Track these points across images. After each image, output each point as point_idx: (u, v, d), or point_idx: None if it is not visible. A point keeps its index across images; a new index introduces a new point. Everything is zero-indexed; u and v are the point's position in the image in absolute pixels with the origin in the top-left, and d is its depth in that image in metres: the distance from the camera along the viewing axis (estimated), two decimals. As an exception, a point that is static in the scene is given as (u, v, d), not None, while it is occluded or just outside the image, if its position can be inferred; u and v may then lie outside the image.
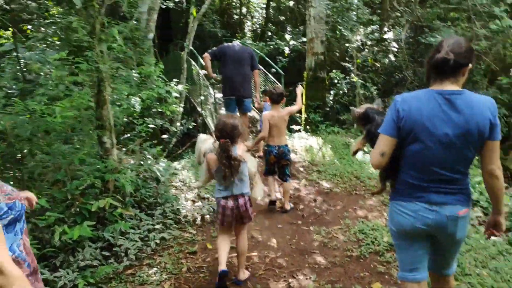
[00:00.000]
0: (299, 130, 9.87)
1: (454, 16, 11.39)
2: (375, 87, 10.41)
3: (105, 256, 4.00)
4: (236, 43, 7.26)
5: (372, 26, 10.54)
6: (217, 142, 3.45)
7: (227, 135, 3.39)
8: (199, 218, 5.05)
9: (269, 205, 5.54)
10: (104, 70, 4.18)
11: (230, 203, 3.54)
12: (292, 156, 7.86)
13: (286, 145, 5.35)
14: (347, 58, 11.39)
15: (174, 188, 5.85)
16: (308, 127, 10.02)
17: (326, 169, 7.20)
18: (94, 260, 3.85)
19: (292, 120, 11.12)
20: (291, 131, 9.87)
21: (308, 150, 8.30)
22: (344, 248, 4.45)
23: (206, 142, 3.76)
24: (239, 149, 3.50)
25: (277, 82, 9.65)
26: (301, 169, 7.28)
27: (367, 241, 4.56)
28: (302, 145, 8.65)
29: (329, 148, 8.51)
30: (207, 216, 5.12)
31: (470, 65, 2.26)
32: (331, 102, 10.56)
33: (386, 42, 11.05)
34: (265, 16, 20.10)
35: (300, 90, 5.57)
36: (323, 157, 7.96)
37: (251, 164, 3.74)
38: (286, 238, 4.73)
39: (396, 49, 10.96)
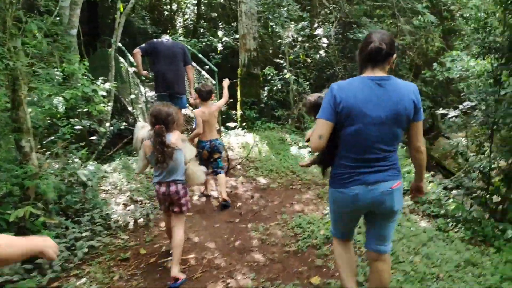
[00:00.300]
0: (235, 127, 9.79)
1: (380, 13, 11.84)
2: (307, 83, 10.55)
3: (27, 269, 3.66)
4: (167, 38, 6.99)
5: (302, 23, 10.67)
6: (152, 129, 3.51)
7: (161, 122, 3.48)
8: (131, 222, 4.81)
9: (202, 195, 5.78)
10: (19, 68, 3.83)
11: (162, 188, 3.65)
12: (229, 153, 7.79)
13: (217, 139, 5.50)
14: (280, 55, 11.45)
15: (104, 192, 5.55)
16: (244, 124, 9.96)
17: (263, 165, 7.18)
18: (15, 275, 3.52)
19: (228, 117, 11.04)
20: (227, 128, 9.76)
21: (245, 147, 8.25)
22: (282, 244, 4.42)
23: (143, 129, 3.80)
24: (174, 136, 3.54)
25: (211, 79, 9.49)
26: (238, 166, 7.20)
27: (304, 235, 4.57)
28: (238, 142, 8.57)
29: (265, 144, 8.50)
30: (140, 220, 4.89)
31: (395, 55, 2.57)
32: (266, 99, 10.57)
33: (316, 38, 11.25)
34: (196, 12, 19.82)
35: (226, 83, 5.62)
36: (259, 153, 7.93)
37: (187, 152, 3.77)
38: (223, 237, 4.62)
39: (326, 45, 11.19)
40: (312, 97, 3.27)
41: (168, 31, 18.08)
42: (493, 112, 5.91)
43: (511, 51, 5.62)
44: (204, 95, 5.34)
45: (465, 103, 6.68)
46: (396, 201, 2.59)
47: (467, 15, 6.91)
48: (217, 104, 5.56)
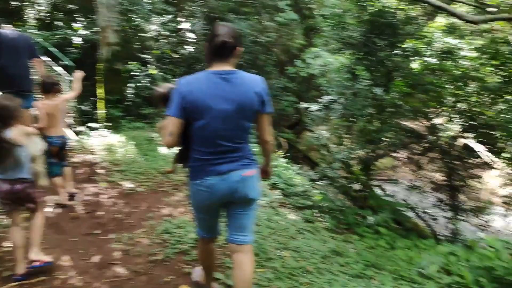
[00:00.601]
0: (98, 128, 9.05)
1: (246, 10, 11.97)
2: (175, 79, 10.22)
3: None
4: (11, 29, 6.09)
5: (167, 16, 10.28)
6: None
7: None
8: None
9: (56, 206, 5.14)
10: None
11: (5, 186, 3.36)
12: (90, 157, 7.16)
13: (64, 135, 5.16)
14: (145, 50, 10.93)
15: None
16: (108, 124, 9.26)
17: (129, 168, 6.70)
18: None
19: (92, 117, 10.20)
20: (90, 129, 8.98)
21: (109, 149, 7.64)
22: (148, 253, 4.07)
23: None
24: (14, 132, 3.23)
25: (68, 75, 8.64)
26: (100, 170, 6.61)
27: (172, 241, 4.28)
28: (101, 144, 7.92)
29: (133, 145, 7.99)
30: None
31: (241, 48, 2.65)
32: (132, 96, 9.98)
33: (182, 33, 10.96)
34: (52, 3, 18.04)
35: (79, 75, 5.15)
36: (125, 155, 7.41)
37: (33, 148, 3.46)
38: (80, 253, 4.09)
39: (193, 40, 10.96)
40: (162, 88, 3.22)
41: (18, 23, 16.15)
42: (351, 105, 6.25)
43: (365, 46, 5.98)
44: (47, 87, 4.96)
45: (325, 97, 6.99)
46: (250, 189, 2.70)
47: (326, 13, 7.23)
48: (64, 97, 5.21)
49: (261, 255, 3.98)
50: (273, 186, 6.38)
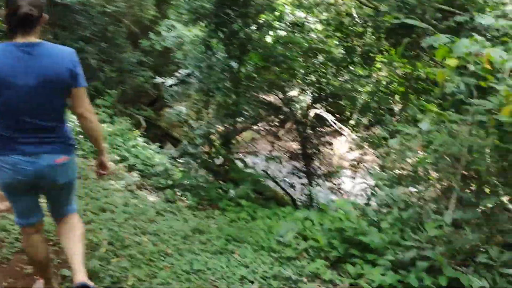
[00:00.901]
0: None
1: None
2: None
3: None
4: None
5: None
6: None
7: None
8: None
9: None
10: None
11: None
12: None
13: None
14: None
15: None
16: None
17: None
18: None
19: None
20: None
21: None
22: (-22, 258, 3.48)
23: None
24: None
25: None
26: None
27: (10, 239, 3.72)
28: None
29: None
30: None
31: (46, 16, 2.38)
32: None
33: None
34: None
35: None
36: None
37: None
38: None
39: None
40: None
41: None
42: (207, 79, 6.13)
43: (218, 17, 5.85)
44: None
45: (181, 71, 6.77)
46: (61, 176, 2.51)
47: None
48: None
49: (116, 244, 3.68)
50: (131, 168, 6.01)
